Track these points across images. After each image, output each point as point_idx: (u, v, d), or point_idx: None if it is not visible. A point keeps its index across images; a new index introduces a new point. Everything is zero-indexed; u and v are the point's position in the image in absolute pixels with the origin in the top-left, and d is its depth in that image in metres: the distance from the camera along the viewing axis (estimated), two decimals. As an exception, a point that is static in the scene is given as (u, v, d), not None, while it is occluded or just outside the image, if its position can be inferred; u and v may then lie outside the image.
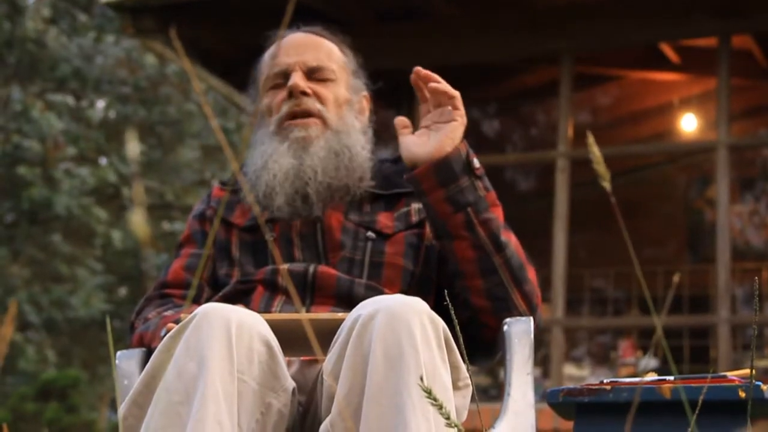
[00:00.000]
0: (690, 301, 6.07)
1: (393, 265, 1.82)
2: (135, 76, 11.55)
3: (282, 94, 1.91)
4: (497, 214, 1.80)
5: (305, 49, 1.94)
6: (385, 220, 1.87)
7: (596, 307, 6.69)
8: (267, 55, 2.02)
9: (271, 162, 1.87)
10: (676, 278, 1.56)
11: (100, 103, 12.10)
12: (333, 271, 1.78)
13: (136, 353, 1.73)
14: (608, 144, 6.78)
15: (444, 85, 1.78)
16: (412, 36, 5.65)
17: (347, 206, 1.87)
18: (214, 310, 1.47)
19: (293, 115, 1.90)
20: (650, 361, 5.14)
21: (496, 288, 1.77)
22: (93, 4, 11.50)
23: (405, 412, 1.37)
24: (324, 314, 1.59)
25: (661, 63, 6.21)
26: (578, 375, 5.69)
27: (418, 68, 1.78)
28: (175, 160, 11.94)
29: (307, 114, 1.89)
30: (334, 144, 1.88)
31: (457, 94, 1.78)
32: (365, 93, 2.01)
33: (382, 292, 1.75)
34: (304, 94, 1.89)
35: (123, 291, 12.39)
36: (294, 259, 1.82)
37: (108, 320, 1.27)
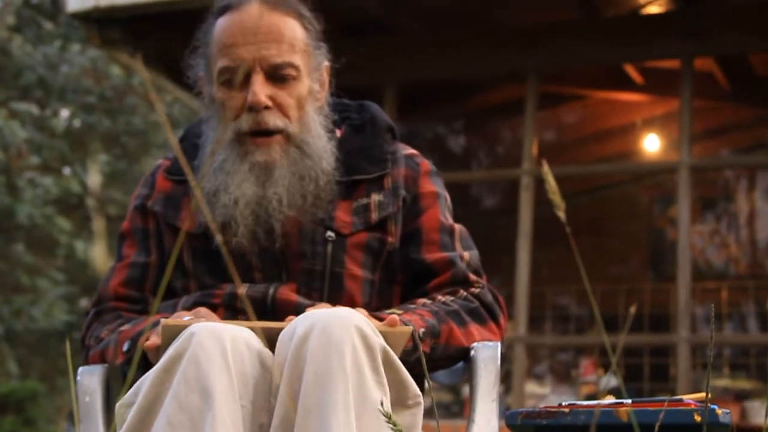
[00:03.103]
0: (651, 319, 6.12)
1: (353, 277, 1.75)
2: (100, 86, 11.49)
3: (238, 98, 1.74)
4: (453, 339, 1.73)
5: (266, 37, 1.74)
6: (343, 214, 1.77)
7: (559, 325, 6.73)
8: (218, 29, 1.78)
9: (231, 184, 1.73)
10: (632, 309, 1.58)
11: (65, 113, 12.02)
12: (293, 297, 1.72)
13: (98, 369, 1.70)
14: (573, 162, 6.84)
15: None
16: (379, 51, 5.67)
17: (310, 208, 1.77)
18: (208, 337, 1.43)
19: (254, 132, 1.74)
20: (611, 380, 5.18)
21: None
22: (59, 12, 11.43)
23: None
24: (276, 323, 1.56)
25: (626, 83, 6.28)
26: (540, 392, 5.71)
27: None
28: (140, 170, 11.88)
29: (270, 132, 1.74)
30: (299, 166, 1.75)
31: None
32: (327, 63, 1.84)
33: None
34: (266, 108, 1.73)
35: (85, 302, 12.29)
36: (252, 269, 1.74)
37: (67, 335, 1.26)
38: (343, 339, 1.41)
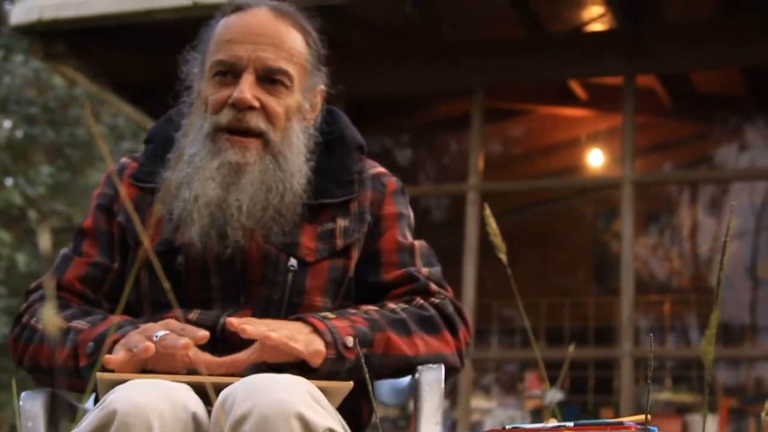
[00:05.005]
0: (595, 332, 6.19)
1: (311, 308, 1.70)
2: (43, 97, 11.35)
3: (225, 93, 1.69)
4: (392, 348, 1.66)
5: (266, 40, 1.70)
6: (307, 240, 1.72)
7: (504, 337, 6.77)
8: (221, 26, 1.75)
9: (196, 180, 1.68)
10: (571, 349, 1.59)
11: (7, 124, 11.84)
12: None
13: (41, 395, 1.67)
14: (519, 176, 6.90)
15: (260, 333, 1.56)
16: (327, 65, 5.68)
17: (269, 222, 1.70)
18: (135, 416, 1.37)
19: (232, 130, 1.68)
20: (556, 394, 5.22)
21: None
22: (1, 23, 11.28)
23: None
24: (219, 378, 1.53)
25: (570, 99, 6.36)
26: (485, 406, 5.74)
27: (230, 320, 1.57)
28: (84, 182, 11.74)
29: (248, 133, 1.68)
30: (269, 176, 1.68)
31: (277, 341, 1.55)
32: (321, 87, 1.79)
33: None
34: (250, 108, 1.67)
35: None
36: (210, 288, 1.69)
37: (8, 349, 1.23)
38: (280, 429, 1.36)
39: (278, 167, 1.69)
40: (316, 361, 1.58)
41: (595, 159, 7.08)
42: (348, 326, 1.63)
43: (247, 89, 1.67)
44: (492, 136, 6.84)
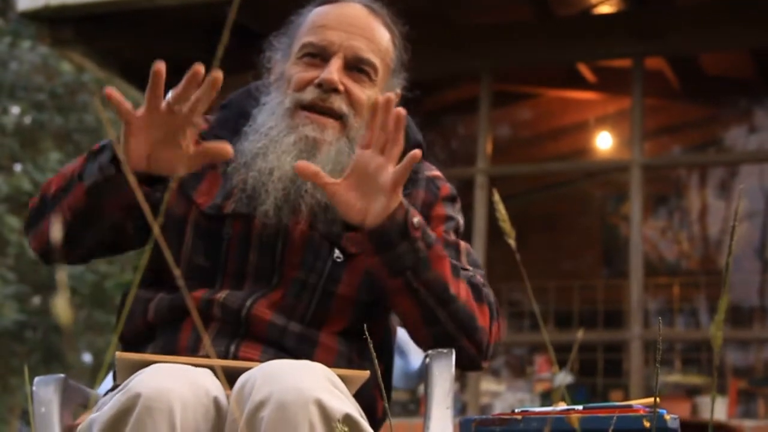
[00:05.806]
0: (605, 315, 6.20)
1: (345, 298, 1.69)
2: (51, 83, 11.37)
3: (311, 73, 1.72)
4: (441, 268, 1.65)
5: (358, 30, 1.75)
6: (354, 232, 1.68)
7: (514, 321, 6.79)
8: (314, 13, 1.79)
9: (272, 153, 1.69)
10: (580, 332, 1.58)
11: (15, 110, 11.87)
12: (267, 316, 1.66)
13: (54, 380, 1.68)
14: (528, 159, 6.90)
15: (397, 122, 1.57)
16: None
17: (316, 209, 1.71)
18: (157, 401, 1.38)
19: (314, 108, 1.71)
20: (566, 377, 5.23)
21: (442, 337, 1.67)
22: (8, 8, 11.29)
23: None
24: (237, 362, 1.54)
25: (578, 82, 6.34)
26: (495, 390, 5.76)
27: (387, 98, 1.57)
28: (92, 168, 11.77)
29: (329, 113, 1.71)
30: (344, 158, 1.68)
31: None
32: (398, 91, 1.82)
33: (315, 343, 1.66)
34: (335, 91, 1.70)
35: (36, 301, 12.16)
36: (247, 263, 1.67)
37: (18, 334, 1.24)
38: (298, 418, 1.36)
39: (352, 151, 1.69)
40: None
41: (604, 142, 7.07)
42: (421, 218, 1.64)
43: (335, 71, 1.70)
44: (500, 119, 6.84)
